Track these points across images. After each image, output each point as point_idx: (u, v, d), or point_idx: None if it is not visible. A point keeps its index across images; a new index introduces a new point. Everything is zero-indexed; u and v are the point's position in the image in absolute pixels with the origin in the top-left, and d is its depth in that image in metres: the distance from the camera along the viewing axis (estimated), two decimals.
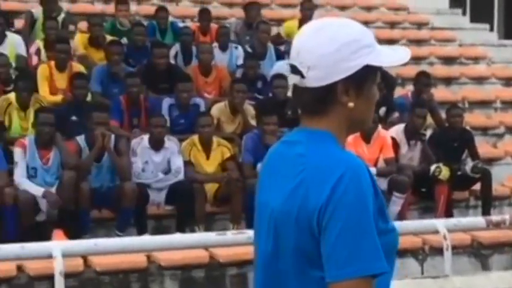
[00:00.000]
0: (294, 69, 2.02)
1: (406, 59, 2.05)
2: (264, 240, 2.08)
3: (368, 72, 2.01)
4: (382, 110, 9.34)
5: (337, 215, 1.90)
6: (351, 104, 2.00)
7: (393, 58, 2.05)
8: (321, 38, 1.99)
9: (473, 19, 13.65)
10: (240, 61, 10.21)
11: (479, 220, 7.30)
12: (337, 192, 1.90)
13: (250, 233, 6.22)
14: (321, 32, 2.01)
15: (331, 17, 2.07)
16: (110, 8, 11.17)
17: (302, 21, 10.94)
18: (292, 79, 2.02)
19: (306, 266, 1.98)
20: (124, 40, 9.99)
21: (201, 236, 6.78)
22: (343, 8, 13.20)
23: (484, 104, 11.00)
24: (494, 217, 7.38)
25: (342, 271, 1.89)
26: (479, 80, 11.65)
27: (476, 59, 12.28)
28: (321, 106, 2.01)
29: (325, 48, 1.98)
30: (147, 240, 6.51)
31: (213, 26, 10.86)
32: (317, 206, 1.92)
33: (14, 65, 9.02)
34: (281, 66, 9.89)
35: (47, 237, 6.86)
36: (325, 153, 1.98)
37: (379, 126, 8.67)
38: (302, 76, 1.99)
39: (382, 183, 8.09)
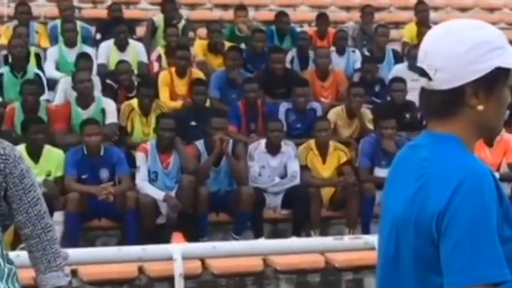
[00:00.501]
0: (422, 72, 1.99)
1: None
2: (386, 244, 2.07)
3: (499, 75, 1.96)
4: (506, 113, 9.07)
5: (456, 221, 1.87)
6: (480, 107, 1.95)
7: None
8: (450, 40, 1.95)
9: None
10: (358, 65, 10.17)
11: None
12: (457, 197, 1.87)
13: (366, 238, 6.19)
14: (450, 34, 1.96)
15: (460, 19, 2.03)
16: (229, 15, 11.34)
17: (419, 24, 10.82)
18: (420, 82, 2.00)
19: (426, 272, 1.96)
20: (242, 46, 10.13)
21: (317, 241, 6.79)
22: (464, 9, 12.91)
23: None
24: None
25: (460, 278, 1.85)
26: None
27: None
28: (449, 109, 1.97)
29: (454, 49, 1.94)
30: (264, 243, 6.58)
31: (331, 30, 10.86)
32: (436, 211, 1.89)
33: (136, 71, 9.31)
34: (399, 70, 9.82)
35: (166, 239, 7.04)
36: (448, 157, 1.95)
37: (503, 129, 8.43)
38: (429, 78, 1.96)
39: (506, 189, 7.87)
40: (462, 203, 1.86)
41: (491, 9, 12.94)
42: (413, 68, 9.49)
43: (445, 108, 1.97)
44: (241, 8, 10.89)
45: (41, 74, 9.01)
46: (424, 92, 2.00)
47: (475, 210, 1.86)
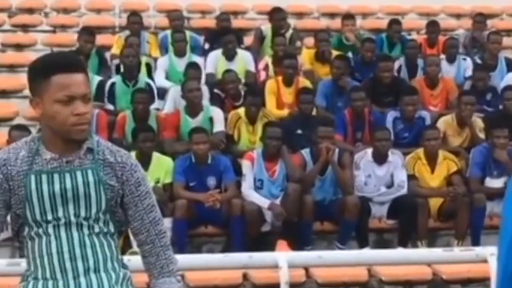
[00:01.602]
0: None
1: None
2: (506, 257, 2.02)
3: None
4: None
5: None
6: None
7: None
8: None
9: None
10: (469, 73, 9.95)
11: None
12: None
13: (478, 250, 6.03)
14: None
15: None
16: (336, 23, 11.31)
17: None
18: None
19: None
20: (349, 54, 10.08)
21: (426, 251, 6.65)
22: None
23: None
24: None
25: None
26: None
27: None
28: None
29: None
30: (369, 253, 6.49)
31: (441, 38, 10.67)
32: None
33: (243, 80, 9.39)
34: None
35: (271, 247, 7.05)
36: None
37: None
38: None
39: None
40: None
41: None
42: None
43: None
44: (348, 16, 10.85)
45: (152, 83, 9.21)
46: None
47: None
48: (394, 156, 8.03)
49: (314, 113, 8.80)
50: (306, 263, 6.15)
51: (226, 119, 8.50)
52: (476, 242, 7.41)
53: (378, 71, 9.35)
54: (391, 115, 8.78)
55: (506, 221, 2.04)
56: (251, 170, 7.71)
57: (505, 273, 2.01)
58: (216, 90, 9.11)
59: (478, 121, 8.77)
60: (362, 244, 7.51)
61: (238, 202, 7.51)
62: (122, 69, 9.35)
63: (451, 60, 10.12)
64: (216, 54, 9.80)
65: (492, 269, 5.70)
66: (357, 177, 7.90)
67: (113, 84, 9.08)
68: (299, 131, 8.41)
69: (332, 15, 12.06)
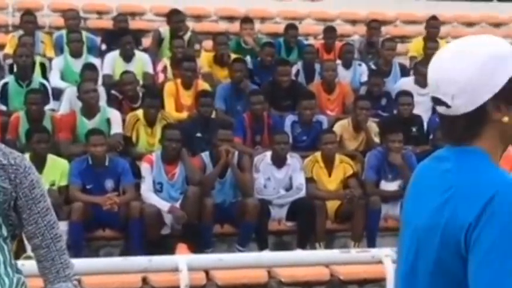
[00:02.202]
0: (437, 101, 1.96)
1: None
2: (405, 258, 2.03)
3: None
4: None
5: (486, 234, 1.83)
6: (505, 119, 1.92)
7: None
8: (459, 64, 1.92)
9: None
10: (364, 78, 10.15)
11: None
12: (489, 210, 1.83)
13: (374, 251, 6.15)
14: (457, 57, 1.94)
15: (464, 38, 1.99)
16: (235, 27, 11.34)
17: (426, 39, 10.81)
18: (438, 109, 1.96)
19: (447, 286, 1.91)
20: (248, 58, 10.12)
21: (323, 253, 6.73)
22: (470, 24, 12.91)
23: None
24: None
25: None
26: None
27: None
28: (475, 130, 1.94)
29: (467, 73, 1.91)
30: (269, 256, 6.52)
31: (337, 43, 10.85)
32: (465, 223, 1.85)
33: (141, 82, 9.28)
34: (406, 83, 9.79)
35: (170, 250, 6.99)
36: (476, 170, 1.92)
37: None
38: (447, 106, 1.93)
39: None
40: (493, 217, 1.83)
41: (498, 24, 12.93)
42: (421, 83, 9.54)
43: (470, 129, 1.94)
44: (247, 20, 10.89)
45: (46, 83, 8.99)
46: (445, 119, 1.96)
47: (506, 224, 1.82)
48: (293, 159, 8.10)
49: (213, 116, 8.78)
50: (206, 265, 6.12)
51: (124, 120, 8.38)
52: (371, 244, 7.55)
53: (276, 75, 9.43)
54: (289, 119, 8.86)
55: (407, 223, 2.06)
56: (150, 172, 7.63)
57: (404, 272, 2.03)
58: (113, 92, 8.98)
59: (373, 125, 8.95)
60: (262, 246, 7.53)
61: (137, 205, 7.41)
62: (15, 69, 9.10)
63: (347, 65, 10.30)
64: (114, 56, 9.66)
65: (388, 269, 5.83)
66: (256, 179, 7.94)
67: (5, 84, 8.84)
68: (198, 134, 8.38)
69: (230, 19, 12.08)
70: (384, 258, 5.89)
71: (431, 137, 8.85)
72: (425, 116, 9.37)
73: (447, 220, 1.89)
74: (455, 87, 1.91)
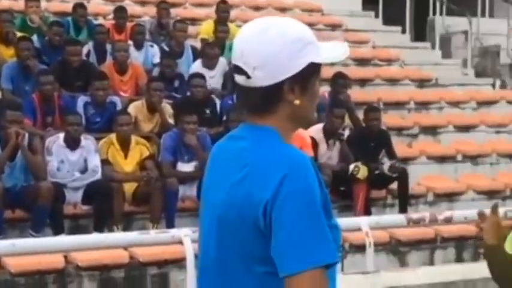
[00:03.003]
0: (238, 70, 2.00)
1: (347, 53, 2.07)
2: (207, 235, 2.06)
3: (312, 69, 2.02)
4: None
5: (287, 209, 1.89)
6: (297, 102, 2.00)
7: (335, 53, 2.06)
8: (266, 38, 1.98)
9: (386, 21, 13.85)
10: (156, 60, 10.08)
11: (399, 218, 7.37)
12: (285, 186, 1.89)
13: (173, 231, 6.12)
14: (266, 32, 2.00)
15: (273, 17, 2.06)
16: (19, 5, 10.84)
17: (217, 23, 10.91)
18: (237, 79, 2.01)
19: (249, 262, 1.96)
20: (35, 37, 9.71)
21: (122, 236, 6.59)
22: (257, 8, 13.19)
23: (399, 105, 11.15)
24: (414, 215, 7.46)
25: (297, 263, 1.88)
26: (393, 81, 11.82)
27: (389, 61, 12.46)
28: (268, 105, 2.01)
29: (271, 47, 1.97)
30: (65, 240, 6.28)
31: (128, 24, 10.68)
32: (263, 200, 1.91)
33: None
34: (198, 66, 9.84)
35: None
36: (270, 148, 1.98)
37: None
38: (248, 76, 1.98)
39: None
40: (291, 192, 1.89)
41: (283, 9, 13.31)
42: (209, 66, 9.64)
43: (264, 103, 2.01)
44: None
45: None
46: (242, 90, 2.03)
47: (304, 197, 1.90)
48: (87, 141, 7.88)
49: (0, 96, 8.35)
50: None
51: None
52: (170, 225, 7.52)
53: (66, 54, 9.14)
54: (81, 100, 8.63)
55: (206, 201, 2.10)
56: None
57: (207, 249, 2.07)
58: None
59: (167, 107, 8.92)
60: (57, 231, 7.26)
61: None
62: None
63: (138, 46, 10.18)
64: None
65: (188, 249, 5.83)
66: (49, 162, 7.65)
67: None
68: None
69: None
70: (184, 238, 5.88)
71: (224, 118, 8.95)
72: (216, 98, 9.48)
73: (244, 196, 1.94)
74: (258, 59, 1.97)
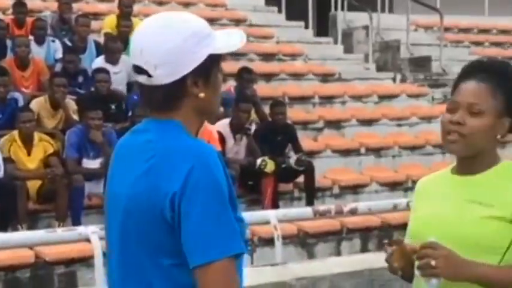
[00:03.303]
0: (139, 70, 1.99)
1: (244, 41, 2.08)
2: (114, 230, 2.05)
3: (212, 61, 2.03)
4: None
5: (195, 201, 1.89)
6: (201, 95, 2.01)
7: (230, 43, 2.07)
8: (164, 35, 1.98)
9: (289, 17, 13.98)
10: (59, 55, 9.89)
11: (306, 210, 7.49)
12: (192, 178, 1.90)
13: (79, 229, 6.04)
14: (164, 29, 1.99)
15: (169, 12, 2.06)
16: None
17: (120, 17, 10.77)
18: (138, 78, 1.99)
19: (156, 254, 1.95)
20: None
21: (27, 234, 6.44)
22: (160, 3, 13.10)
23: (303, 99, 11.28)
24: (321, 207, 7.58)
25: (207, 254, 1.88)
26: (298, 76, 11.95)
27: (293, 56, 12.59)
28: (173, 101, 2.01)
29: (170, 44, 1.97)
30: None
31: (29, 19, 10.43)
32: (170, 192, 1.90)
33: None
34: (102, 61, 9.69)
35: None
36: (176, 139, 1.98)
37: (205, 120, 8.66)
38: (149, 75, 1.97)
39: None
40: (199, 184, 1.90)
41: (187, 4, 13.27)
42: (112, 61, 9.51)
43: (169, 100, 2.01)
44: None
45: None
46: (145, 89, 2.02)
47: (212, 189, 1.91)
48: None
49: None
50: None
51: None
52: (77, 223, 7.38)
53: None
54: None
55: (112, 196, 2.09)
56: None
57: (114, 244, 2.07)
58: None
59: (71, 103, 8.77)
60: None
61: None
62: None
63: (40, 41, 9.96)
64: None
65: (95, 247, 5.76)
66: None
67: None
68: None
69: None
70: (91, 236, 5.82)
71: (130, 113, 8.85)
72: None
73: (150, 188, 1.94)
74: (158, 57, 1.97)
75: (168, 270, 1.94)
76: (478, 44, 15.79)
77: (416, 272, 2.31)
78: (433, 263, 2.24)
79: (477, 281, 2.28)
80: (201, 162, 1.91)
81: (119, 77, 9.72)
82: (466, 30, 16.41)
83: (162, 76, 1.97)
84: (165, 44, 1.96)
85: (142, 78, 1.99)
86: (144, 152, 1.98)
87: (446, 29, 14.73)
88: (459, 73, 2.51)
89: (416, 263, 2.30)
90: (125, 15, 10.80)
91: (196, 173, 1.90)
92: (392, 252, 2.38)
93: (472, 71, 2.45)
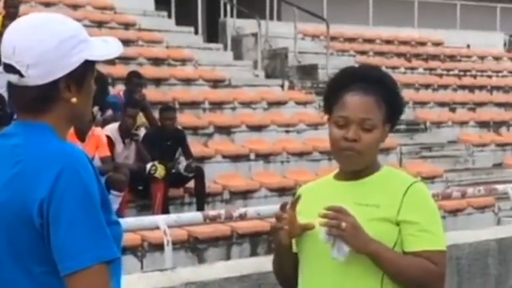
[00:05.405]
0: (10, 69, 1.93)
1: (121, 50, 2.06)
2: None
3: (87, 67, 2.00)
4: (95, 109, 9.22)
5: (64, 207, 1.85)
6: (74, 100, 1.97)
7: (108, 51, 2.05)
8: (40, 35, 1.93)
9: (179, 22, 13.95)
10: None
11: (196, 215, 7.47)
12: (61, 184, 1.86)
13: None
14: (40, 29, 1.94)
15: (45, 13, 2.01)
16: None
17: (6, 18, 10.49)
18: (9, 78, 1.93)
19: (26, 262, 1.91)
20: None
21: None
22: (48, 4, 12.84)
23: (193, 104, 11.28)
24: (211, 212, 7.59)
25: (78, 261, 1.85)
26: (188, 81, 11.94)
27: (183, 61, 12.57)
28: (44, 103, 1.96)
29: (45, 45, 1.92)
30: None
31: None
32: (38, 197, 1.86)
33: None
34: None
35: None
36: (44, 144, 1.93)
37: (94, 125, 8.55)
38: (21, 75, 1.92)
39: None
40: (67, 189, 1.86)
41: (75, 6, 13.06)
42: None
43: (39, 102, 1.96)
44: None
45: None
46: (16, 89, 1.97)
47: (81, 194, 1.87)
48: None
49: None
50: None
51: None
52: None
53: None
54: None
55: None
56: None
57: None
58: None
59: None
60: None
61: None
62: None
63: None
64: None
65: None
66: None
67: None
68: None
69: None
70: None
71: (15, 117, 8.62)
72: (5, 95, 9.10)
73: (18, 194, 1.88)
74: (32, 57, 1.92)
75: (39, 278, 1.90)
76: (362, 53, 16.21)
77: (324, 236, 2.35)
78: (343, 224, 2.30)
79: (369, 256, 2.36)
80: (69, 166, 1.87)
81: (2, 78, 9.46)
82: (351, 40, 16.82)
83: (35, 77, 1.92)
84: (41, 44, 1.91)
85: (13, 78, 1.93)
86: (11, 157, 1.92)
87: (333, 38, 15.04)
88: (332, 81, 2.52)
89: (323, 229, 2.34)
90: (11, 16, 10.51)
91: (64, 177, 1.85)
92: (283, 223, 2.42)
93: (348, 81, 2.47)
